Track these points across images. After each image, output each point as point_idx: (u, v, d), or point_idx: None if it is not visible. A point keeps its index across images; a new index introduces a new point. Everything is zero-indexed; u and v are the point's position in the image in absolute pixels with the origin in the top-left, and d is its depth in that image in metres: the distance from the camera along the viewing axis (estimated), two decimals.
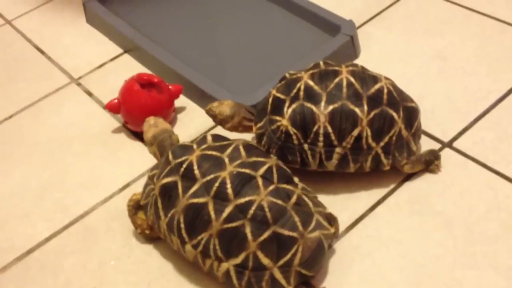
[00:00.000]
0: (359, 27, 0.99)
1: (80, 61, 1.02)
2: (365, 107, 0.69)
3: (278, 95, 0.72)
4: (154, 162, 0.75)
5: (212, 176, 0.62)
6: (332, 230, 0.65)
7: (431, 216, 0.70)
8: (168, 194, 0.64)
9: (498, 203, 0.70)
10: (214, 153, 0.64)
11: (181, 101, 0.90)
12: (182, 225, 0.62)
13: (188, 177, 0.63)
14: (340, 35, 0.92)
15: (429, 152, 0.74)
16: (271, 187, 0.62)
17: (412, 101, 0.73)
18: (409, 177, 0.74)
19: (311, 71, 0.72)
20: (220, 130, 0.80)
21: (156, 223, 0.66)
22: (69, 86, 0.97)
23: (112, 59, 1.01)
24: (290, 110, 0.70)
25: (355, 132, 0.69)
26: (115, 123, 0.89)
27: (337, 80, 0.70)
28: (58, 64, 1.02)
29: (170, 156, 0.66)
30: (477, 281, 0.64)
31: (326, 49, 0.90)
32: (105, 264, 0.70)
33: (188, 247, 0.63)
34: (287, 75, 0.74)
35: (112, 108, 0.85)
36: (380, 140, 0.70)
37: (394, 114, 0.70)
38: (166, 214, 0.64)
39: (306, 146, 0.70)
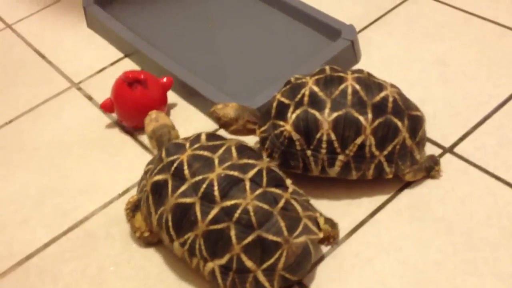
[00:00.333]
0: (360, 31, 0.99)
1: (81, 65, 1.02)
2: (370, 115, 0.69)
3: (283, 99, 0.72)
4: None
5: (200, 177, 0.63)
6: (321, 235, 0.65)
7: (431, 222, 0.70)
8: (158, 191, 0.65)
9: (499, 209, 0.70)
10: (205, 153, 0.65)
11: (181, 105, 0.90)
12: (170, 223, 0.64)
13: (178, 176, 0.64)
14: (341, 40, 0.92)
15: (428, 158, 0.74)
16: (258, 191, 0.62)
17: (417, 109, 0.73)
18: (409, 183, 0.74)
19: (316, 77, 0.72)
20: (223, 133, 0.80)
21: (148, 218, 0.68)
22: (70, 91, 0.97)
23: (112, 64, 1.01)
24: (294, 115, 0.70)
25: (359, 140, 0.69)
26: (115, 127, 0.89)
27: (342, 87, 0.70)
28: (58, 68, 1.02)
29: (163, 154, 0.67)
30: (477, 287, 0.63)
31: (327, 54, 0.89)
32: (104, 269, 0.70)
33: (176, 244, 0.64)
34: (292, 79, 0.74)
35: (106, 107, 0.87)
36: (384, 149, 0.70)
37: (399, 123, 0.69)
38: (156, 211, 0.65)
39: (309, 152, 0.70)
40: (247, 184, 0.62)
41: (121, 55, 1.02)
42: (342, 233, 0.70)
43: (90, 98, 0.95)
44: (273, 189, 0.63)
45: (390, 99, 0.70)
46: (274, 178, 0.64)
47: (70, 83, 0.98)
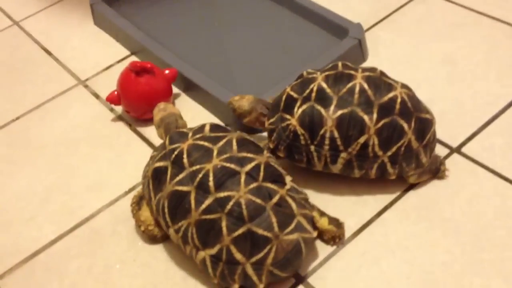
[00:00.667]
0: (367, 30, 0.98)
1: (88, 63, 1.02)
2: (375, 115, 0.68)
3: (292, 93, 0.72)
4: None
5: (198, 166, 0.64)
6: (314, 234, 0.65)
7: (438, 223, 0.69)
8: (158, 177, 0.66)
9: (507, 210, 0.70)
10: (205, 143, 0.66)
11: (187, 103, 0.90)
12: (166, 210, 0.65)
13: (177, 164, 0.65)
14: (348, 39, 0.91)
15: (432, 160, 0.73)
16: (253, 185, 0.62)
17: (427, 112, 0.72)
18: (416, 183, 0.74)
19: (326, 73, 0.72)
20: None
21: (149, 203, 0.69)
22: (76, 88, 0.97)
23: (119, 61, 1.01)
24: (300, 110, 0.70)
25: (362, 140, 0.69)
26: (122, 125, 0.89)
27: (350, 85, 0.69)
28: (65, 65, 1.02)
29: (167, 141, 0.69)
30: None
31: (334, 52, 0.89)
32: (110, 267, 0.70)
33: (171, 231, 0.65)
34: (304, 73, 0.74)
35: (112, 100, 0.87)
36: (388, 150, 0.69)
37: (405, 125, 0.69)
38: (155, 196, 0.67)
39: (312, 147, 0.70)
40: (243, 177, 0.62)
41: (127, 52, 1.02)
42: (348, 232, 0.70)
43: (97, 95, 0.95)
44: (269, 184, 0.63)
45: (398, 100, 0.69)
46: (271, 174, 0.64)
47: (77, 81, 0.98)
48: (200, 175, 0.63)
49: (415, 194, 0.73)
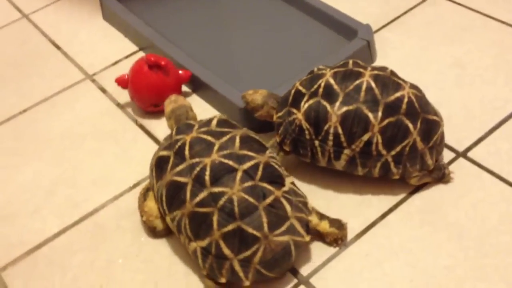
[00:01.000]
0: (376, 31, 0.98)
1: (95, 57, 1.02)
2: (380, 114, 0.68)
3: (300, 88, 0.73)
4: None
5: (197, 159, 0.65)
6: (307, 238, 0.65)
7: (442, 226, 0.69)
8: (160, 166, 0.68)
9: (511, 216, 0.70)
10: (208, 137, 0.67)
11: (194, 101, 0.90)
12: (164, 198, 0.66)
13: (179, 155, 0.66)
14: (357, 40, 0.91)
15: (435, 166, 0.72)
16: (248, 183, 0.63)
17: (435, 114, 0.72)
18: (422, 186, 0.73)
19: (336, 70, 0.72)
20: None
21: (152, 189, 0.71)
22: (84, 83, 0.97)
23: (127, 57, 1.01)
24: (306, 105, 0.71)
25: (365, 137, 0.69)
26: (128, 120, 0.89)
27: (357, 82, 0.70)
28: (73, 59, 1.02)
29: (174, 132, 0.70)
30: None
31: (342, 53, 0.89)
32: (113, 262, 0.70)
33: (168, 219, 0.67)
34: (315, 69, 0.75)
35: (121, 82, 0.88)
36: (392, 149, 0.69)
37: (410, 125, 0.69)
38: (156, 183, 0.68)
39: (317, 142, 0.71)
40: (239, 174, 0.63)
41: (136, 48, 1.02)
42: (352, 233, 0.70)
43: (104, 90, 0.95)
44: (265, 185, 0.64)
45: (405, 99, 0.69)
46: (270, 174, 0.65)
47: (84, 75, 0.99)
48: (198, 168, 0.64)
49: (419, 197, 0.73)
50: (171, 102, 0.77)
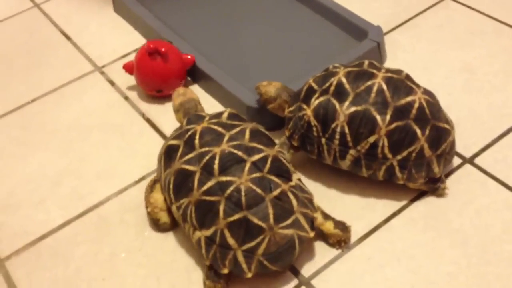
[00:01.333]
0: (387, 33, 0.98)
1: (105, 49, 1.02)
2: (388, 117, 0.68)
3: (313, 84, 0.73)
4: None
5: (206, 148, 0.65)
6: (311, 234, 0.65)
7: (446, 233, 0.69)
8: (170, 154, 0.68)
9: None
10: (219, 128, 0.67)
11: (201, 97, 0.90)
12: (171, 186, 0.66)
13: (189, 144, 0.67)
14: (367, 41, 0.91)
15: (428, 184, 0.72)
16: (256, 175, 0.63)
17: (447, 122, 0.71)
18: (426, 191, 0.73)
19: (349, 69, 0.72)
20: None
21: (159, 181, 0.71)
22: (93, 74, 0.97)
23: (136, 49, 1.01)
24: (317, 102, 0.71)
25: (371, 139, 0.69)
26: (135, 114, 0.89)
27: (369, 83, 0.69)
28: (83, 51, 1.02)
29: (185, 122, 0.71)
30: None
31: (352, 54, 0.88)
32: (115, 255, 0.71)
33: (174, 207, 0.67)
34: (330, 67, 0.76)
35: (128, 68, 0.90)
36: (398, 153, 0.69)
37: (418, 131, 0.68)
38: (164, 172, 0.69)
39: (323, 140, 0.71)
40: (248, 165, 0.63)
41: (145, 41, 1.02)
42: (355, 237, 0.70)
43: (112, 83, 0.95)
44: (273, 177, 0.64)
45: (416, 105, 0.69)
46: (278, 168, 0.65)
47: (93, 67, 0.99)
48: (207, 157, 0.64)
49: (424, 203, 0.72)
50: (179, 95, 0.77)
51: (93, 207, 0.77)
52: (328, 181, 0.76)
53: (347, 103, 0.69)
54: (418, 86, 0.71)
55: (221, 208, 0.62)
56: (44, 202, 0.78)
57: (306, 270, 0.67)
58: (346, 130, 0.69)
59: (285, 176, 0.65)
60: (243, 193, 0.62)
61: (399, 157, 0.69)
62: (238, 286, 0.66)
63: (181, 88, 0.79)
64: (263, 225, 0.62)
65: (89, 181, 0.80)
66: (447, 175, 0.75)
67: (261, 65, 0.94)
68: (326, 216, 0.68)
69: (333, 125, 0.70)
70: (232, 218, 0.62)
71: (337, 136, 0.70)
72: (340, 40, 0.96)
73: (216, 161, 0.64)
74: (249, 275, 0.63)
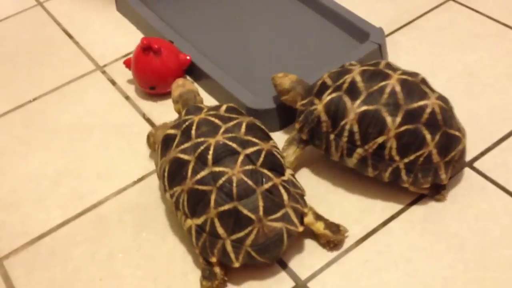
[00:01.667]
0: (389, 35, 0.97)
1: (107, 48, 1.02)
2: (398, 119, 0.68)
3: (327, 80, 0.74)
4: None
5: (202, 139, 0.66)
6: (300, 229, 0.66)
7: (443, 237, 0.69)
8: (167, 143, 0.70)
9: None
10: (216, 120, 0.69)
11: (203, 98, 0.90)
12: (166, 174, 0.68)
13: (186, 134, 0.68)
14: (368, 43, 0.90)
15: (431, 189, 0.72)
16: (249, 167, 0.64)
17: (459, 130, 0.71)
18: (424, 195, 0.73)
19: (365, 68, 0.72)
20: None
21: (156, 166, 0.73)
22: (94, 73, 0.98)
23: None
24: (328, 97, 0.71)
25: (380, 140, 0.68)
26: (136, 114, 0.90)
27: (382, 83, 0.69)
28: (85, 50, 1.03)
29: (184, 112, 0.73)
30: None
31: (353, 56, 0.88)
32: (113, 256, 0.71)
33: (167, 195, 0.68)
34: (346, 64, 0.76)
35: (127, 64, 0.91)
36: (405, 156, 0.69)
37: (428, 136, 0.68)
38: (161, 159, 0.70)
39: (332, 136, 0.71)
40: (241, 157, 0.64)
41: None
42: (352, 239, 0.70)
43: (113, 82, 0.96)
44: (265, 171, 0.65)
45: (428, 109, 0.68)
46: (271, 162, 0.66)
47: (95, 66, 0.99)
48: (202, 147, 0.66)
49: (422, 206, 0.72)
50: (178, 86, 0.79)
51: (92, 207, 0.77)
52: (328, 184, 0.76)
53: (358, 101, 0.69)
54: (433, 90, 0.71)
55: (213, 197, 0.63)
56: (44, 201, 0.78)
57: (303, 273, 0.67)
58: (355, 129, 0.69)
59: (278, 170, 0.66)
60: (234, 184, 0.63)
61: (406, 160, 0.69)
62: (234, 286, 0.66)
63: (180, 79, 0.80)
64: (253, 216, 0.63)
65: (89, 180, 0.81)
66: None
67: (263, 66, 0.94)
68: (318, 217, 0.68)
69: (343, 122, 0.70)
70: (222, 208, 0.63)
71: (346, 134, 0.70)
72: (341, 42, 0.95)
73: (211, 152, 0.65)
74: (237, 264, 0.64)
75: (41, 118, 0.91)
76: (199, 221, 0.64)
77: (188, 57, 0.90)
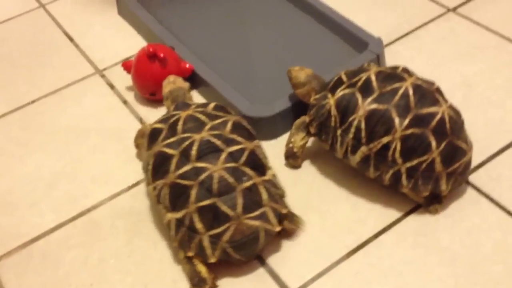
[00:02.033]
0: (388, 45, 0.97)
1: (107, 52, 1.03)
2: (406, 121, 0.68)
3: (343, 77, 0.75)
4: None
5: (188, 134, 0.68)
6: (277, 228, 0.67)
7: (435, 251, 0.69)
8: (153, 137, 0.71)
9: (507, 245, 0.69)
10: (202, 117, 0.70)
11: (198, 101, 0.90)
12: (150, 167, 0.69)
13: (172, 129, 0.70)
14: (367, 52, 0.90)
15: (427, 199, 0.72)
16: (230, 164, 0.65)
17: (466, 142, 0.70)
18: (417, 207, 0.73)
19: (382, 68, 0.73)
20: None
21: (142, 159, 0.75)
22: (93, 77, 0.98)
23: None
24: (341, 93, 0.72)
25: (385, 140, 0.69)
26: (133, 119, 0.90)
27: (396, 85, 0.70)
28: (84, 53, 1.03)
29: (172, 108, 0.75)
30: None
31: (350, 65, 0.88)
32: (105, 261, 0.71)
33: (150, 188, 0.70)
34: (365, 64, 0.79)
35: (126, 67, 0.91)
36: (408, 160, 0.68)
37: (433, 143, 0.68)
38: (147, 152, 0.72)
39: (339, 131, 0.72)
40: (224, 155, 0.66)
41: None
42: (344, 250, 0.70)
43: (112, 86, 0.96)
44: (247, 170, 0.66)
45: (438, 117, 0.68)
46: (253, 161, 0.67)
47: (94, 69, 0.99)
48: (187, 143, 0.67)
49: (415, 219, 0.72)
50: (169, 83, 0.81)
51: (86, 211, 0.77)
52: (322, 192, 0.76)
53: (369, 99, 0.70)
54: (446, 100, 0.71)
55: (193, 192, 0.64)
56: (38, 204, 0.79)
57: (293, 284, 0.67)
58: (362, 125, 0.70)
59: (260, 170, 0.67)
60: (215, 180, 0.64)
61: (408, 164, 0.69)
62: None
63: (171, 76, 0.82)
64: (231, 213, 0.64)
65: (84, 184, 0.81)
66: None
67: (262, 73, 0.94)
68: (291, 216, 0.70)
69: (351, 118, 0.70)
70: (202, 203, 0.64)
71: (353, 130, 0.70)
72: (340, 51, 0.95)
73: (195, 147, 0.66)
74: (213, 260, 0.65)
75: (39, 120, 0.91)
76: (179, 215, 0.65)
77: (187, 65, 0.90)
